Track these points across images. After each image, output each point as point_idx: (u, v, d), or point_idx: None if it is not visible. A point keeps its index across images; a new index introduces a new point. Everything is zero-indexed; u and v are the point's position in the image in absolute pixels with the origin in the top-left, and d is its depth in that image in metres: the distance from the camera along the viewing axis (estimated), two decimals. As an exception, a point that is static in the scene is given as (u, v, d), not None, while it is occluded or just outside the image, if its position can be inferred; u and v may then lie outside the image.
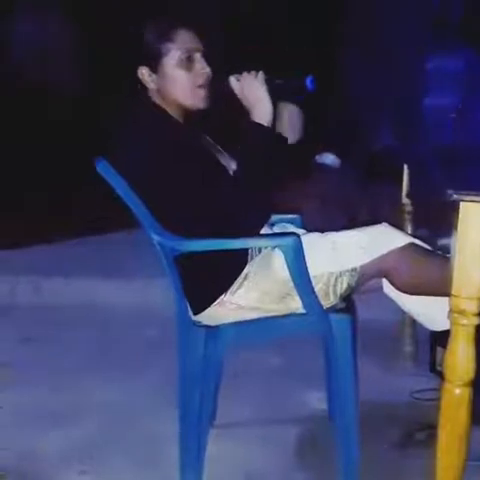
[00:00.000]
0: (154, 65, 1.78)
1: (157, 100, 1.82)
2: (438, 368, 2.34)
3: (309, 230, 1.95)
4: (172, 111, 1.82)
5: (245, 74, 1.77)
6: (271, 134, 1.75)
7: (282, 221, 2.06)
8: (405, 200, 2.58)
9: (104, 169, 1.75)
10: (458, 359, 1.39)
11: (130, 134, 1.77)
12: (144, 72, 1.80)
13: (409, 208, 2.57)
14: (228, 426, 2.15)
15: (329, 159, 3.63)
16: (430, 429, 1.85)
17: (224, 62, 1.82)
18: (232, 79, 1.79)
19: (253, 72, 1.77)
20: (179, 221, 1.72)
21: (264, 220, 1.79)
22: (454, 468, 1.43)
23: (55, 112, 4.69)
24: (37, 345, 2.96)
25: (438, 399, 1.43)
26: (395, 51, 4.29)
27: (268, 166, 1.71)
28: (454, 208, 1.36)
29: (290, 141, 1.85)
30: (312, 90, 1.75)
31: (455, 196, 1.34)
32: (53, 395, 2.44)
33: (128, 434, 2.16)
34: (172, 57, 1.77)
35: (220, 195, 1.67)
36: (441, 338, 1.87)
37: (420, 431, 2.02)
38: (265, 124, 1.73)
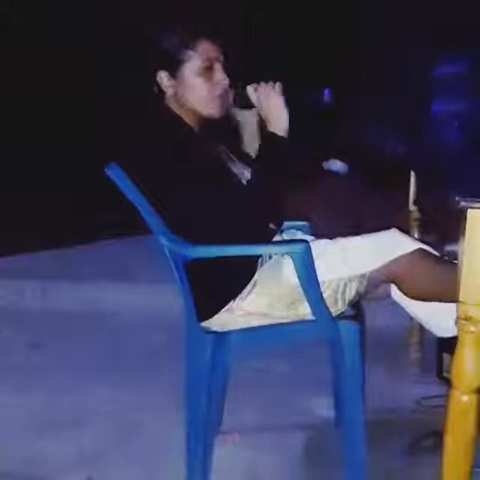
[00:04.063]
0: (174, 71, 1.79)
1: (173, 106, 1.83)
2: (445, 375, 2.34)
3: (318, 237, 1.96)
4: (187, 118, 1.83)
5: (263, 84, 1.79)
6: (287, 144, 1.76)
7: (291, 228, 2.07)
8: (412, 207, 2.58)
9: (115, 174, 1.76)
10: (465, 366, 1.39)
11: (141, 138, 1.78)
12: (163, 76, 1.81)
13: (416, 215, 2.58)
14: (235, 432, 2.15)
15: (337, 166, 3.63)
16: (437, 436, 1.84)
17: (243, 72, 1.83)
18: (250, 89, 1.81)
19: (271, 82, 1.78)
20: (189, 227, 1.73)
21: (274, 229, 1.80)
22: (461, 475, 1.42)
23: (63, 114, 4.71)
24: (45, 350, 2.97)
25: (445, 406, 1.43)
26: (403, 59, 4.30)
27: (282, 175, 1.73)
28: (461, 215, 1.36)
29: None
30: (330, 101, 1.76)
31: (462, 203, 1.35)
32: (60, 400, 2.45)
33: (135, 439, 2.17)
34: (193, 65, 1.78)
35: (230, 202, 1.69)
36: (448, 344, 1.86)
37: (427, 438, 2.01)
38: (281, 134, 1.74)
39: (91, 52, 4.70)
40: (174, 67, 1.79)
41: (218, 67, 1.81)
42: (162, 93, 1.83)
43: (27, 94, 4.66)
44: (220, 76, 1.81)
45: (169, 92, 1.82)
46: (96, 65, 4.72)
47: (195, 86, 1.80)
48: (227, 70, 1.83)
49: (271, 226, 1.91)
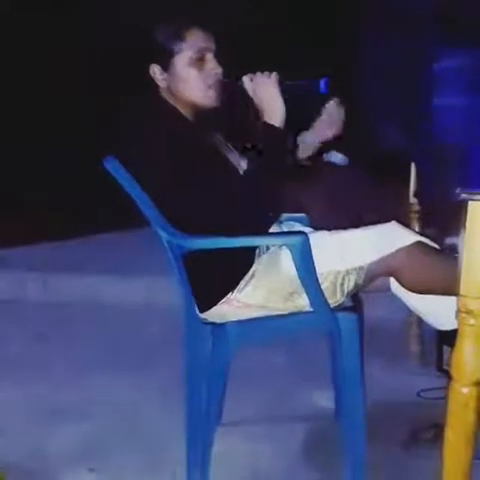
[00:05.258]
0: (166, 63, 1.79)
1: (168, 98, 1.83)
2: (445, 367, 2.34)
3: (317, 228, 1.96)
4: (182, 109, 1.83)
5: (258, 74, 1.77)
6: (282, 135, 1.75)
7: (290, 220, 2.06)
8: (412, 199, 2.57)
9: (113, 168, 1.76)
10: (465, 359, 1.38)
11: (139, 131, 1.77)
12: (156, 70, 1.81)
13: (416, 207, 2.57)
14: (235, 424, 2.15)
15: (337, 158, 3.62)
16: (437, 428, 1.85)
17: (238, 62, 1.82)
18: (245, 79, 1.80)
19: (267, 72, 1.77)
20: (187, 219, 1.72)
21: (272, 219, 1.79)
22: (461, 467, 1.42)
23: (57, 109, 4.71)
24: (46, 342, 2.98)
25: (445, 398, 1.43)
26: (404, 51, 4.29)
27: (278, 166, 1.72)
28: (462, 207, 1.36)
29: (328, 136, 1.89)
30: (326, 92, 1.75)
31: (463, 195, 1.34)
32: (61, 392, 2.46)
33: (136, 431, 2.17)
34: (184, 56, 1.78)
35: (228, 193, 1.68)
36: (448, 337, 1.86)
37: (427, 430, 2.01)
38: (277, 125, 1.73)
39: (91, 52, 4.70)
40: (166, 60, 1.79)
41: (210, 57, 1.80)
42: (156, 86, 1.83)
43: (27, 94, 4.67)
44: (212, 66, 1.80)
45: (163, 85, 1.82)
46: (96, 65, 4.71)
47: (187, 77, 1.79)
48: (220, 60, 1.82)
49: (270, 215, 1.89)
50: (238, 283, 1.75)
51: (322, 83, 1.75)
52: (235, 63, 1.86)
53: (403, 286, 1.81)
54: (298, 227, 2.02)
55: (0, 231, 3.89)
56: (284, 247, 1.73)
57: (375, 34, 4.79)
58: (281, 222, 2.01)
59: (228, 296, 1.75)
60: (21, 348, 2.91)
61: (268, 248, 1.80)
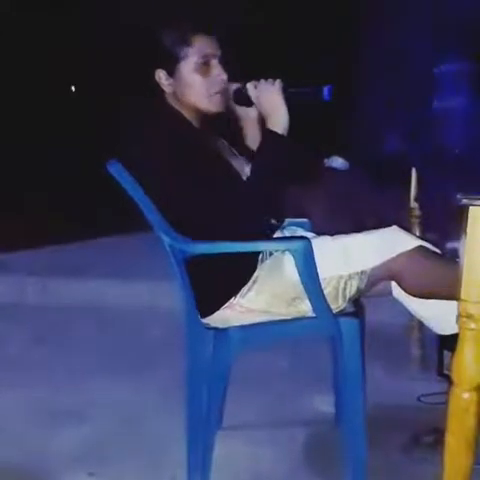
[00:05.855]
0: (171, 69, 1.79)
1: (173, 103, 1.83)
2: (446, 372, 2.34)
3: (318, 234, 1.96)
4: (187, 114, 1.83)
5: (262, 81, 1.78)
6: (286, 142, 1.75)
7: (292, 225, 2.07)
8: (413, 204, 2.58)
9: (116, 171, 1.76)
10: (466, 363, 1.39)
11: (139, 132, 1.77)
12: (161, 75, 1.81)
13: (417, 212, 2.57)
14: (236, 428, 2.15)
15: (338, 162, 3.63)
16: (437, 433, 1.84)
17: (243, 69, 1.82)
18: (249, 86, 1.80)
19: (270, 80, 1.77)
20: (190, 223, 1.73)
21: (275, 225, 1.79)
22: (462, 472, 1.43)
23: (57, 109, 4.72)
24: (46, 345, 2.98)
25: (446, 403, 1.43)
26: (404, 56, 4.29)
27: (281, 173, 1.72)
28: (463, 212, 1.36)
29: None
30: (329, 100, 1.75)
31: (464, 200, 1.34)
32: (61, 395, 2.45)
33: (136, 435, 2.17)
34: (189, 62, 1.78)
35: (230, 199, 1.68)
36: (449, 342, 1.87)
37: (427, 435, 2.01)
38: (280, 132, 1.74)
39: (91, 52, 4.71)
40: (172, 65, 1.79)
41: (215, 63, 1.80)
42: (162, 91, 1.83)
43: (27, 94, 4.67)
44: (217, 71, 1.81)
45: (168, 90, 1.82)
46: (96, 65, 4.72)
47: (192, 83, 1.79)
48: (225, 65, 1.82)
49: (272, 222, 1.90)
50: (241, 288, 1.75)
51: (326, 90, 1.75)
52: (235, 64, 1.87)
53: (404, 290, 1.81)
54: (300, 232, 2.02)
55: (0, 235, 3.89)
56: (287, 252, 1.73)
57: (375, 34, 4.79)
58: (283, 227, 2.01)
59: (231, 301, 1.75)
60: (21, 351, 2.91)
61: (271, 253, 1.80)
